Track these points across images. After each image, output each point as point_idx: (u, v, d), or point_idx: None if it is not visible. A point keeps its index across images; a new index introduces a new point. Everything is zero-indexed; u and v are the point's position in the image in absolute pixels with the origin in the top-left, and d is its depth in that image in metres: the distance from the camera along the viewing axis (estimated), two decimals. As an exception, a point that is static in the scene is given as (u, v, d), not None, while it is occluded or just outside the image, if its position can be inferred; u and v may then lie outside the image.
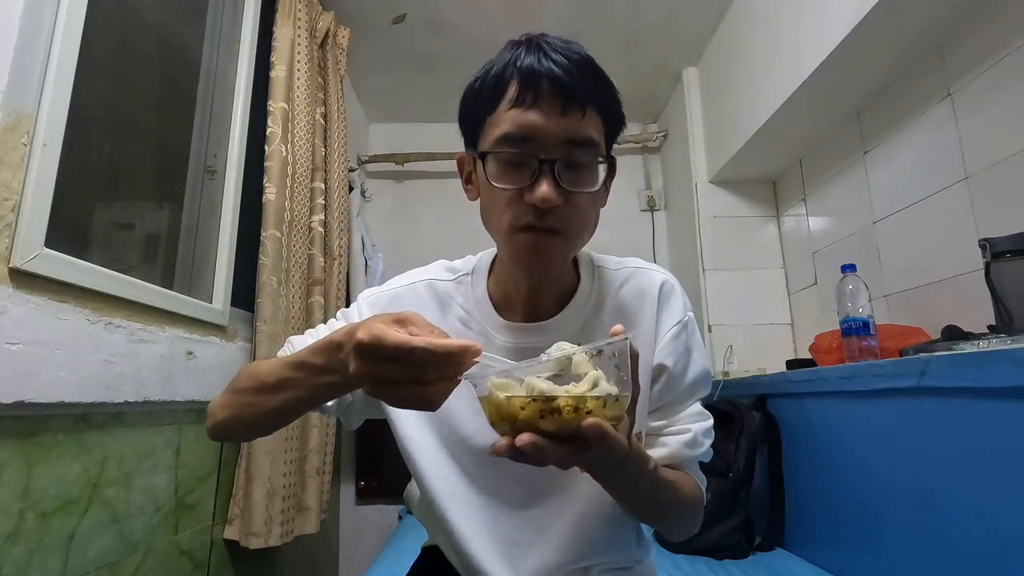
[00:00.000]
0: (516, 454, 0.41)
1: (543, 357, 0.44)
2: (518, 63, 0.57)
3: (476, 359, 0.43)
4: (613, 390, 0.42)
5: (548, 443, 0.40)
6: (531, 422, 0.41)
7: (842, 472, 1.18)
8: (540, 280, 0.63)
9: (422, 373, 0.43)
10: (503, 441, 0.41)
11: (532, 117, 0.55)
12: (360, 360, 0.44)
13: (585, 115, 0.56)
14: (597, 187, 0.58)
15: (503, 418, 0.42)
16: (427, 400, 0.44)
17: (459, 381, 0.45)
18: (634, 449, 0.49)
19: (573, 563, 0.64)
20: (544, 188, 0.54)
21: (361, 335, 0.43)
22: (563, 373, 0.43)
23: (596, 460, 0.46)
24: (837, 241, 1.74)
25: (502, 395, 0.42)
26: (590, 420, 0.40)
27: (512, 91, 0.57)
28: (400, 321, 0.45)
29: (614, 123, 0.62)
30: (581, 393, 0.41)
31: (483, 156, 0.58)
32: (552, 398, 0.40)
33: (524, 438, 0.40)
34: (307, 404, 0.56)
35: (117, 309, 0.95)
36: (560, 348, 0.45)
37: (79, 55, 0.87)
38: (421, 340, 0.42)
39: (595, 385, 0.42)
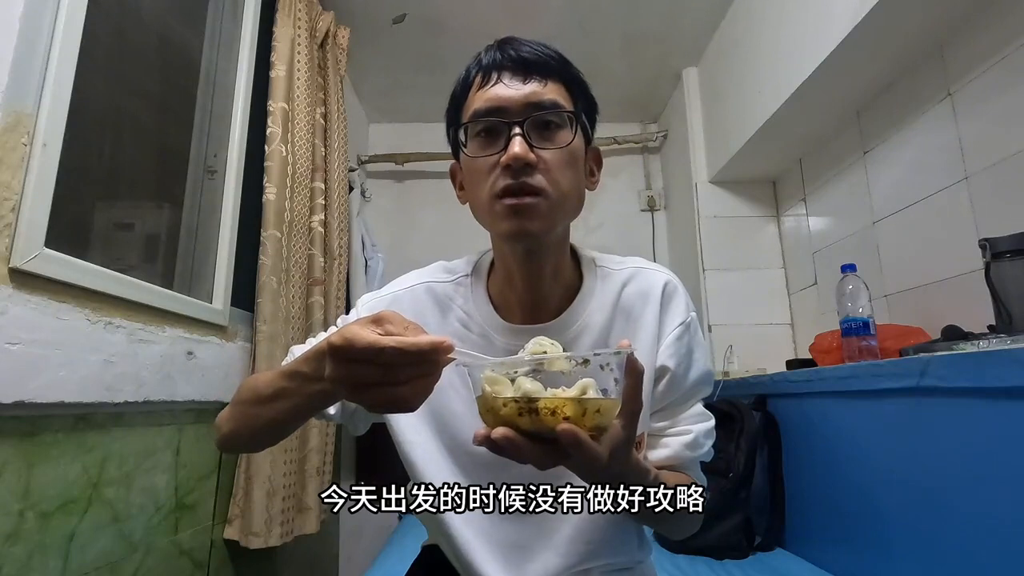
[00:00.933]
0: (492, 445, 0.41)
1: (521, 353, 0.45)
2: (482, 61, 0.62)
3: (450, 355, 0.43)
4: (598, 398, 0.42)
5: (524, 440, 0.41)
6: (511, 418, 0.42)
7: (842, 472, 1.18)
8: (530, 258, 0.62)
9: (395, 373, 0.42)
10: (482, 430, 0.42)
11: (496, 90, 0.59)
12: (334, 364, 0.43)
13: (547, 84, 0.60)
14: (569, 144, 0.59)
15: (488, 411, 0.43)
16: (404, 401, 0.43)
17: (438, 379, 0.44)
18: (633, 464, 0.49)
19: (575, 566, 0.63)
20: (515, 147, 0.56)
21: (333, 339, 0.42)
22: (542, 369, 0.44)
23: (578, 467, 0.46)
24: (837, 241, 1.74)
25: (489, 389, 0.43)
26: (564, 426, 0.40)
27: (478, 80, 0.61)
28: (376, 321, 0.44)
29: (582, 98, 0.63)
30: (561, 397, 0.41)
31: (459, 132, 0.62)
32: (534, 399, 0.41)
33: (499, 431, 0.41)
34: (304, 413, 0.56)
35: (117, 309, 0.95)
36: (538, 343, 0.46)
37: (79, 55, 0.87)
38: (390, 339, 0.41)
39: (583, 392, 0.42)
